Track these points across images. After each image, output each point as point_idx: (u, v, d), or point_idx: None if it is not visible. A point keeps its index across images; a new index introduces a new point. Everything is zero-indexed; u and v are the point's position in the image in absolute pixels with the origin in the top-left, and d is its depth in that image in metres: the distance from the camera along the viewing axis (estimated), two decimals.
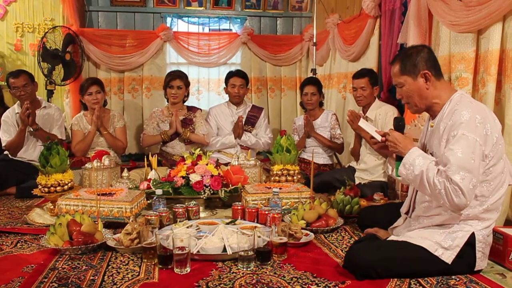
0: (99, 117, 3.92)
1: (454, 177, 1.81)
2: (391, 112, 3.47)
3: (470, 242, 1.93)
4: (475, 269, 1.98)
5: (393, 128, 2.17)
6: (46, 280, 1.93)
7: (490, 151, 1.90)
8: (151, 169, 3.35)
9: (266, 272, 2.01)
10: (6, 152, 3.91)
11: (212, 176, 3.02)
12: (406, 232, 2.08)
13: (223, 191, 3.01)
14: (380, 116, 3.50)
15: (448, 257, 1.92)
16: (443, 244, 1.93)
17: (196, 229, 2.44)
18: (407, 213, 2.23)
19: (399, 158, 2.08)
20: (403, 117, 2.32)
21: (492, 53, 2.47)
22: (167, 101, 4.36)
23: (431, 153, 2.07)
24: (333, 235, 2.60)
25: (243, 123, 4.35)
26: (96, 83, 4.02)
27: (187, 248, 2.00)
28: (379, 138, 2.17)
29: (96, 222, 2.45)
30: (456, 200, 1.81)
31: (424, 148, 2.15)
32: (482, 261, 1.99)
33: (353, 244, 2.06)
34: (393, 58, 2.22)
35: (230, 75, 4.40)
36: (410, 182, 2.04)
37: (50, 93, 4.91)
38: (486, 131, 1.88)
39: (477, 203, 1.94)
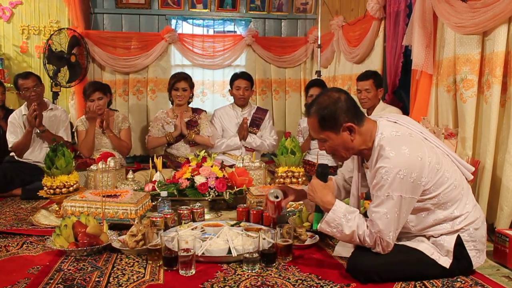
0: (103, 120, 3.92)
1: (385, 238, 1.85)
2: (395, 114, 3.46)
3: (460, 243, 1.92)
4: (474, 267, 1.97)
5: (317, 174, 2.05)
6: (51, 281, 1.93)
7: (431, 185, 1.85)
8: (156, 171, 3.35)
9: (271, 274, 2.01)
10: (12, 154, 3.93)
11: (217, 178, 3.02)
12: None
13: (228, 193, 3.01)
14: None
15: (444, 261, 1.92)
16: (437, 251, 1.93)
17: (201, 231, 2.44)
18: None
19: (318, 209, 2.03)
20: (327, 165, 2.12)
21: (498, 55, 2.46)
22: (172, 103, 4.38)
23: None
24: None
25: (248, 125, 4.35)
26: (98, 90, 3.95)
27: (192, 250, 2.00)
28: None
29: (101, 224, 2.46)
30: (386, 251, 1.89)
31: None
32: (479, 258, 1.97)
33: (354, 250, 2.04)
34: (307, 108, 2.02)
35: (235, 77, 4.41)
36: (334, 237, 2.00)
37: (55, 95, 4.94)
38: (413, 179, 1.80)
39: (450, 223, 1.92)
